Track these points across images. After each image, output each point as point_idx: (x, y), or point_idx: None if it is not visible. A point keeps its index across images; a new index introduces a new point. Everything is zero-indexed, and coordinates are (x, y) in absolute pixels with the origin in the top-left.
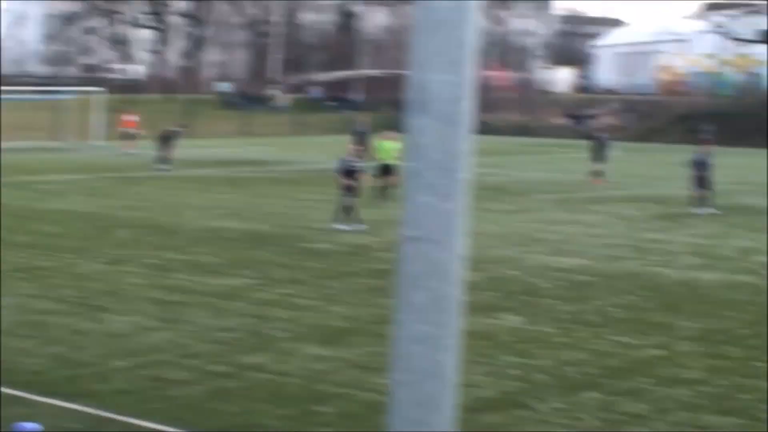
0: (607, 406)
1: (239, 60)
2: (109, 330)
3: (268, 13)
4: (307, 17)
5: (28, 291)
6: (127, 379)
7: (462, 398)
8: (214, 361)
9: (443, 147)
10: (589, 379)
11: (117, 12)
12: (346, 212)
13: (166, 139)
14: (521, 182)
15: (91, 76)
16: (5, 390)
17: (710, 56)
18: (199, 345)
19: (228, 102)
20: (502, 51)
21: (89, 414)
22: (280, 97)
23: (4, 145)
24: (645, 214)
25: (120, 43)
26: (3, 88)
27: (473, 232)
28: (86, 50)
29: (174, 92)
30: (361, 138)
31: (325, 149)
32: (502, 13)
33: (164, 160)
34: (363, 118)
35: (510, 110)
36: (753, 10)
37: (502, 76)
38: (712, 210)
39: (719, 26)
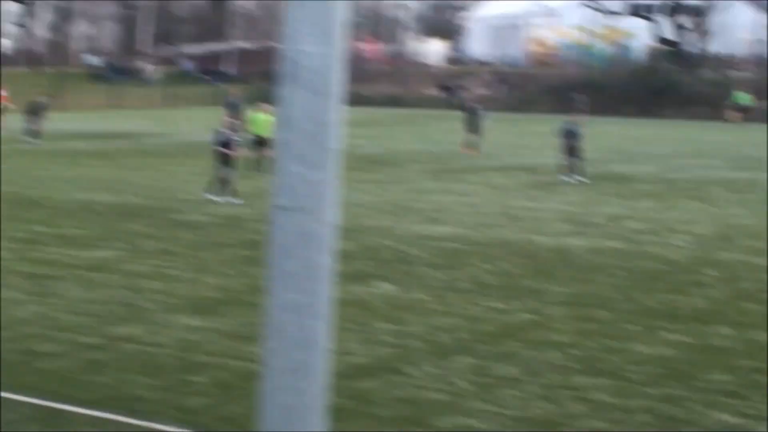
0: (480, 370)
1: (109, 33)
2: None
3: None
4: None
5: None
6: None
7: (335, 365)
8: (86, 334)
9: (314, 118)
10: (462, 344)
11: None
12: (222, 184)
13: (34, 112)
14: (394, 153)
15: None
16: None
17: (580, 29)
18: (70, 317)
19: (97, 75)
20: (374, 23)
21: None
22: (151, 69)
23: None
24: (517, 183)
25: None
26: None
27: (346, 202)
28: None
29: (42, 66)
30: (234, 110)
31: (196, 122)
32: None
33: (33, 134)
34: (235, 91)
35: (382, 82)
36: None
37: (374, 48)
38: (582, 178)
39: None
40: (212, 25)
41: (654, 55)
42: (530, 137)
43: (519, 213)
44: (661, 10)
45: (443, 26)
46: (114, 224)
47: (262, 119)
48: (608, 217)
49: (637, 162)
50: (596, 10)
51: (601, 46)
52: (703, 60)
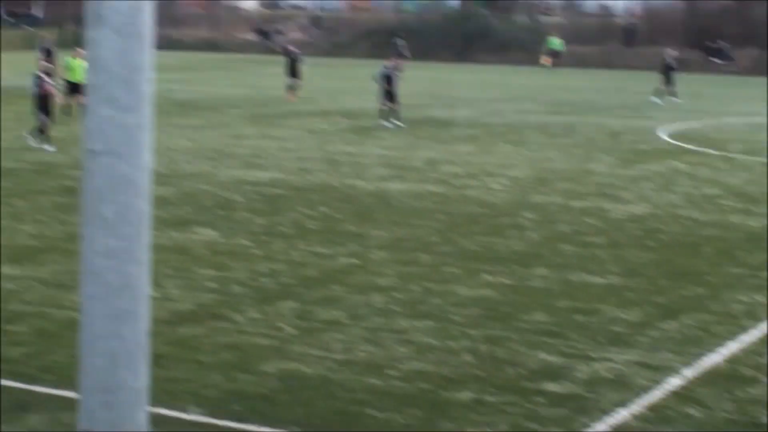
0: (304, 315)
1: None
2: None
3: None
4: None
5: None
6: None
7: (157, 312)
8: None
9: (124, 60)
10: (286, 289)
11: None
12: (40, 130)
13: None
14: (211, 98)
15: None
16: None
17: None
18: None
19: None
20: None
21: None
22: None
23: None
24: (336, 128)
25: None
26: None
27: (164, 147)
28: None
29: None
30: (49, 55)
31: (6, 66)
32: None
33: None
34: (48, 35)
35: (197, 26)
36: None
37: None
38: (399, 123)
39: None
40: None
41: (467, 0)
42: (348, 82)
43: (339, 158)
44: None
45: None
46: None
47: (77, 65)
48: (427, 162)
49: (454, 107)
50: None
51: None
52: (515, 5)
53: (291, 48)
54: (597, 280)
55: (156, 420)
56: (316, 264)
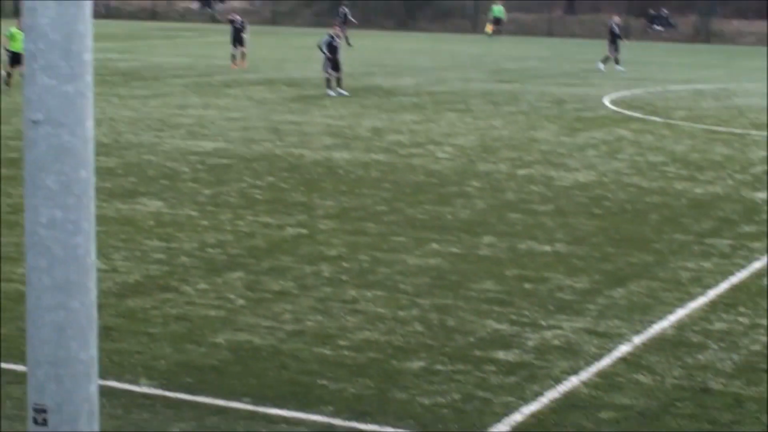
0: (253, 285)
1: None
2: None
3: None
4: None
5: None
6: None
7: (104, 283)
8: None
9: (62, 28)
10: (233, 259)
11: None
12: None
13: None
14: (152, 67)
15: None
16: None
17: None
18: None
19: None
20: None
21: None
22: None
23: None
24: (280, 97)
25: None
26: None
27: (107, 117)
28: None
29: None
30: None
31: None
32: None
33: None
34: None
35: None
36: None
37: None
38: (343, 91)
39: None
40: None
41: None
42: (291, 51)
43: (284, 127)
44: None
45: None
46: None
47: (19, 35)
48: (372, 131)
49: (398, 75)
50: None
51: None
52: None
53: (235, 16)
54: (544, 248)
55: (107, 392)
56: (264, 234)
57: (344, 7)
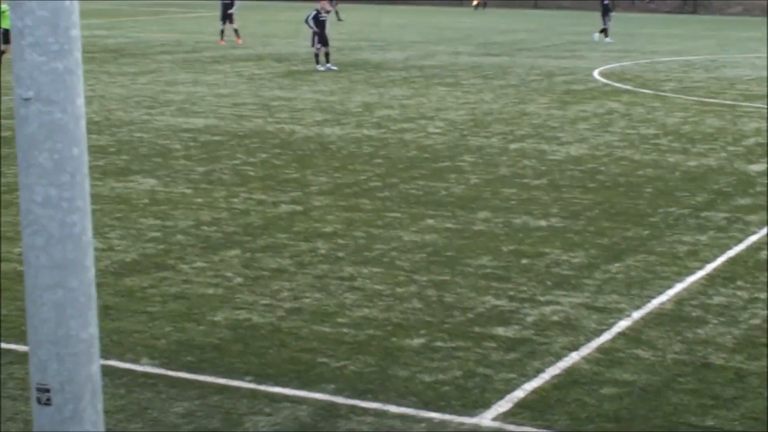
0: (249, 263)
1: None
2: None
3: None
4: None
5: None
6: None
7: (102, 262)
8: None
9: (49, 4)
10: (229, 237)
11: None
12: None
13: None
14: (140, 43)
15: None
16: None
17: None
18: None
19: None
20: None
21: None
22: None
23: None
24: (269, 73)
25: None
26: None
27: (96, 95)
28: None
29: None
30: None
31: None
32: None
33: None
34: None
35: None
36: None
37: None
38: (332, 66)
39: None
40: None
41: None
42: (278, 25)
43: (274, 103)
44: None
45: None
46: None
47: (7, 12)
48: (363, 106)
49: (386, 49)
50: None
51: None
52: None
53: None
54: (540, 222)
55: (108, 372)
56: (259, 211)
57: None
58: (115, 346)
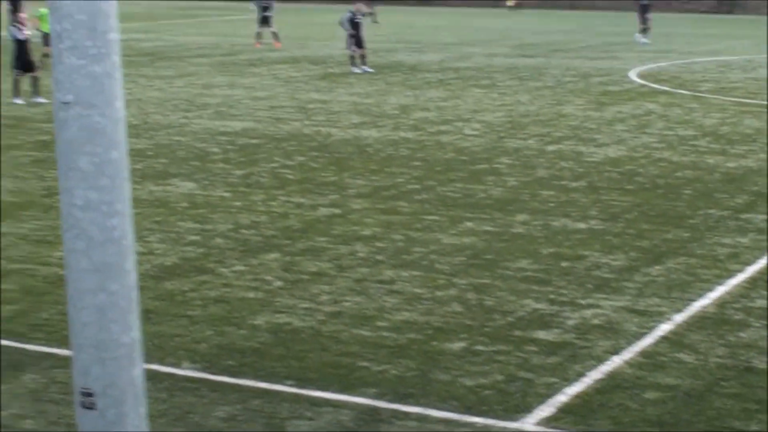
0: (289, 267)
1: None
2: None
3: None
4: None
5: None
6: None
7: (142, 266)
8: None
9: (87, 7)
10: (269, 240)
11: None
12: (32, 85)
13: None
14: (176, 47)
15: None
16: None
17: None
18: None
19: None
20: None
21: None
22: None
23: None
24: (305, 75)
25: None
26: None
27: (134, 98)
28: None
29: None
30: (17, 5)
31: None
32: None
33: None
34: None
35: None
36: None
37: None
38: (368, 68)
39: None
40: None
41: None
42: (314, 28)
43: (311, 106)
44: None
45: None
46: None
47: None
48: (399, 108)
49: (422, 51)
50: None
51: None
52: None
53: None
54: (579, 225)
55: (150, 376)
56: (298, 215)
57: None
58: (156, 350)
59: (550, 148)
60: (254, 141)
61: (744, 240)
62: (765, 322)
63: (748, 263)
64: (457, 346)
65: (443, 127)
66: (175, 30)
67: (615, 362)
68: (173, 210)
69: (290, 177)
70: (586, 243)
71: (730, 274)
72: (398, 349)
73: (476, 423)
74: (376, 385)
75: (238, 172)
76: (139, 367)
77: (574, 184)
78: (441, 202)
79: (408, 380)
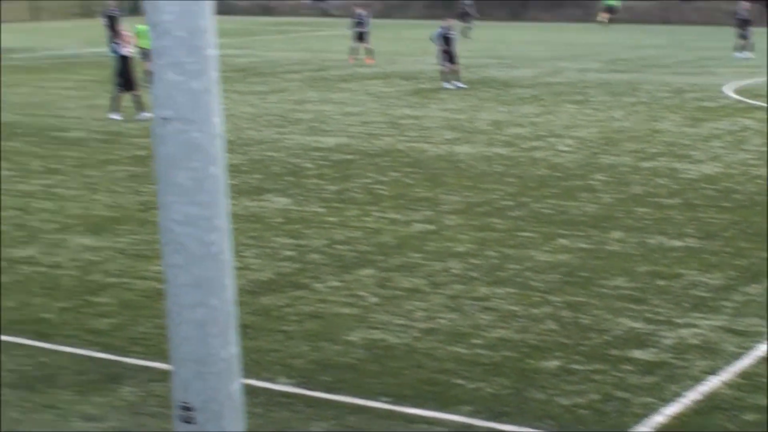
0: (384, 283)
1: None
2: None
3: None
4: None
5: None
6: None
7: (238, 281)
8: None
9: (186, 24)
10: (363, 256)
11: None
12: (136, 102)
13: None
14: (268, 62)
15: None
16: None
17: None
18: None
19: None
20: None
21: None
22: None
23: None
24: (397, 91)
25: None
26: None
27: (229, 113)
28: None
29: None
30: (114, 22)
31: (65, 35)
32: None
33: None
34: (110, 2)
35: None
36: None
37: None
38: (460, 84)
39: None
40: None
41: None
42: (405, 43)
43: (403, 121)
44: None
45: None
46: None
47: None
48: (492, 124)
49: (514, 66)
50: None
51: None
52: None
53: (358, 10)
54: (675, 243)
55: (246, 391)
56: (392, 230)
57: (465, 1)
58: (252, 365)
59: (645, 164)
60: (347, 156)
61: None
62: None
63: None
64: (553, 364)
65: (536, 143)
66: (267, 45)
67: (713, 383)
68: (268, 225)
69: (384, 192)
70: (682, 261)
71: None
72: (493, 367)
73: None
74: (471, 403)
75: (332, 188)
76: (237, 382)
77: (669, 201)
78: (535, 219)
79: (503, 398)
